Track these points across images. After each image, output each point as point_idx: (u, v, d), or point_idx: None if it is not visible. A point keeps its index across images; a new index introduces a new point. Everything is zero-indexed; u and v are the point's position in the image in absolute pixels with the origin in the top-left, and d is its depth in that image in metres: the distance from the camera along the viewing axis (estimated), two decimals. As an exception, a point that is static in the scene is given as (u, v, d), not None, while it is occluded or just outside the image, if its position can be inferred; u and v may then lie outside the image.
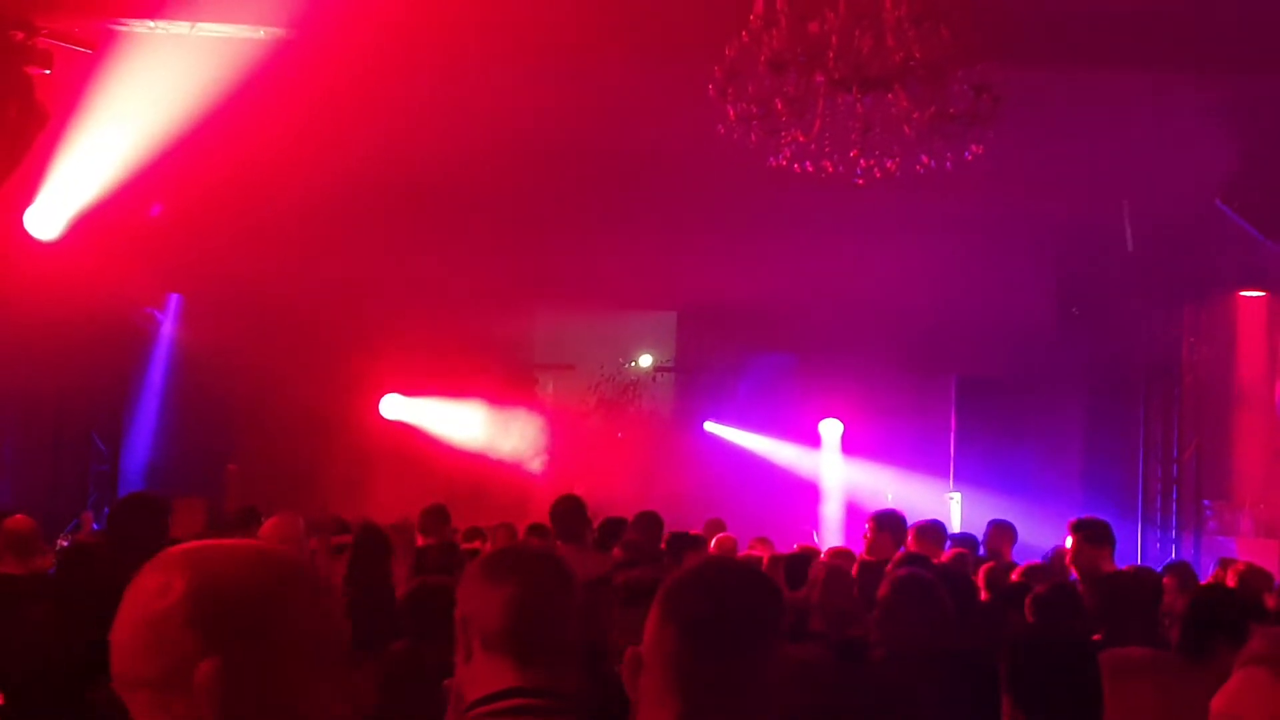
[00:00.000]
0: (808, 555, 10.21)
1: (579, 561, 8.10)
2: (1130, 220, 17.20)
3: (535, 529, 10.92)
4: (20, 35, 12.08)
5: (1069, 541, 9.18)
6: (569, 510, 9.42)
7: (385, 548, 8.49)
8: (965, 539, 12.06)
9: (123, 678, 1.92)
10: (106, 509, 14.57)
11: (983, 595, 8.94)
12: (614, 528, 10.63)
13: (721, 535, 11.83)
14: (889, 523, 10.49)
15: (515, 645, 3.06)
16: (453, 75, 13.35)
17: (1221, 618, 5.68)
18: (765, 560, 10.34)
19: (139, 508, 7.11)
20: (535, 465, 20.31)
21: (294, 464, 17.29)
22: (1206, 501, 18.89)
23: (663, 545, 10.65)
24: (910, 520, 10.91)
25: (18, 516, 8.00)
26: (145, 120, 13.64)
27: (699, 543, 10.75)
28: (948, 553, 10.41)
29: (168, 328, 18.84)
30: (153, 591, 1.92)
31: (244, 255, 16.81)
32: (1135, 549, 18.99)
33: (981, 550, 11.34)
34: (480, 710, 3.03)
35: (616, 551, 9.54)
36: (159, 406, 18.65)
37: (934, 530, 11.17)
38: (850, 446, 20.79)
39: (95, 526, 14.04)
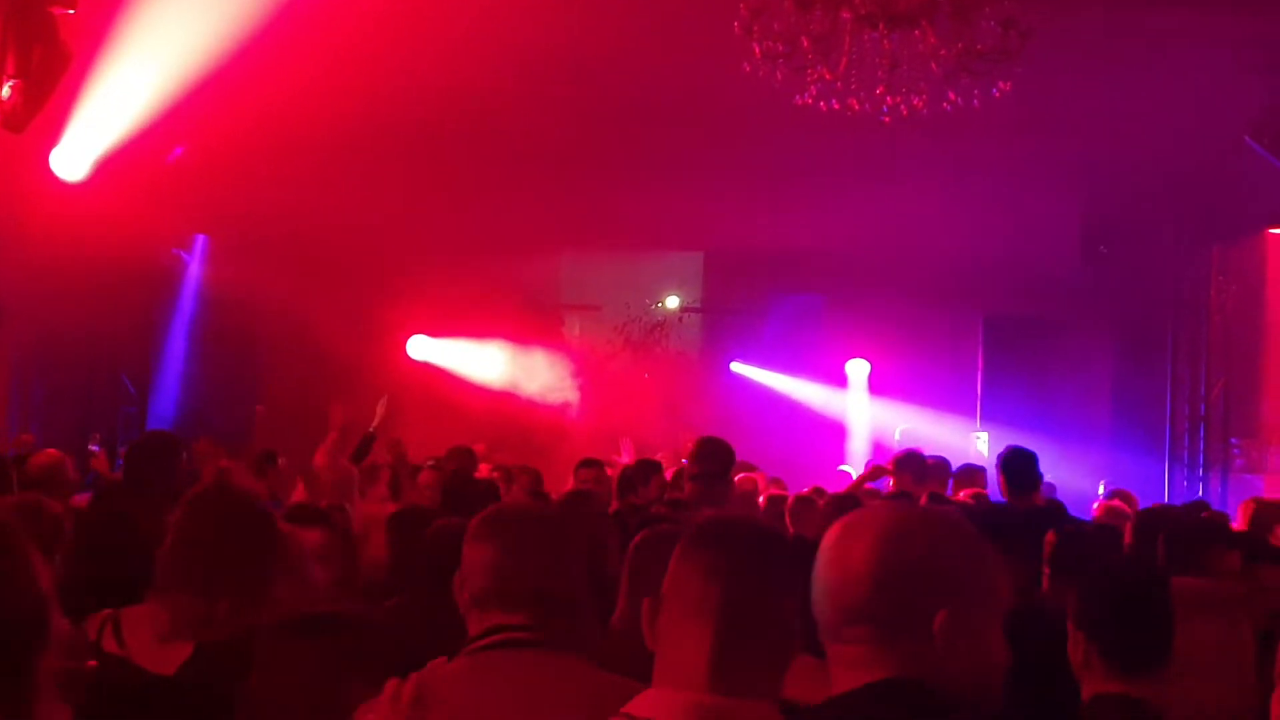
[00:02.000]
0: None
1: None
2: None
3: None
4: (44, -25, 12.06)
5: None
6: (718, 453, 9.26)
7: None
8: (970, 471, 12.06)
9: (851, 611, 2.32)
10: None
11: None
12: (647, 470, 10.62)
13: (742, 476, 11.81)
14: (908, 464, 10.52)
15: (499, 601, 3.32)
16: (479, 15, 13.30)
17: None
18: (790, 500, 10.33)
19: (154, 448, 7.22)
20: (565, 397, 20.35)
21: (322, 405, 17.32)
22: (1234, 440, 18.86)
23: None
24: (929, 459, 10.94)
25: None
26: (170, 59, 13.61)
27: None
28: (966, 492, 10.43)
29: (195, 269, 18.91)
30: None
31: (270, 196, 16.81)
32: (1163, 487, 18.98)
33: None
34: (469, 649, 3.30)
35: None
36: (186, 348, 18.74)
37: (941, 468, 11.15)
38: (877, 386, 20.79)
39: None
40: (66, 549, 5.03)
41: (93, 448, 12.38)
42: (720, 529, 2.84)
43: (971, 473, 11.23)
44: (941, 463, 10.86)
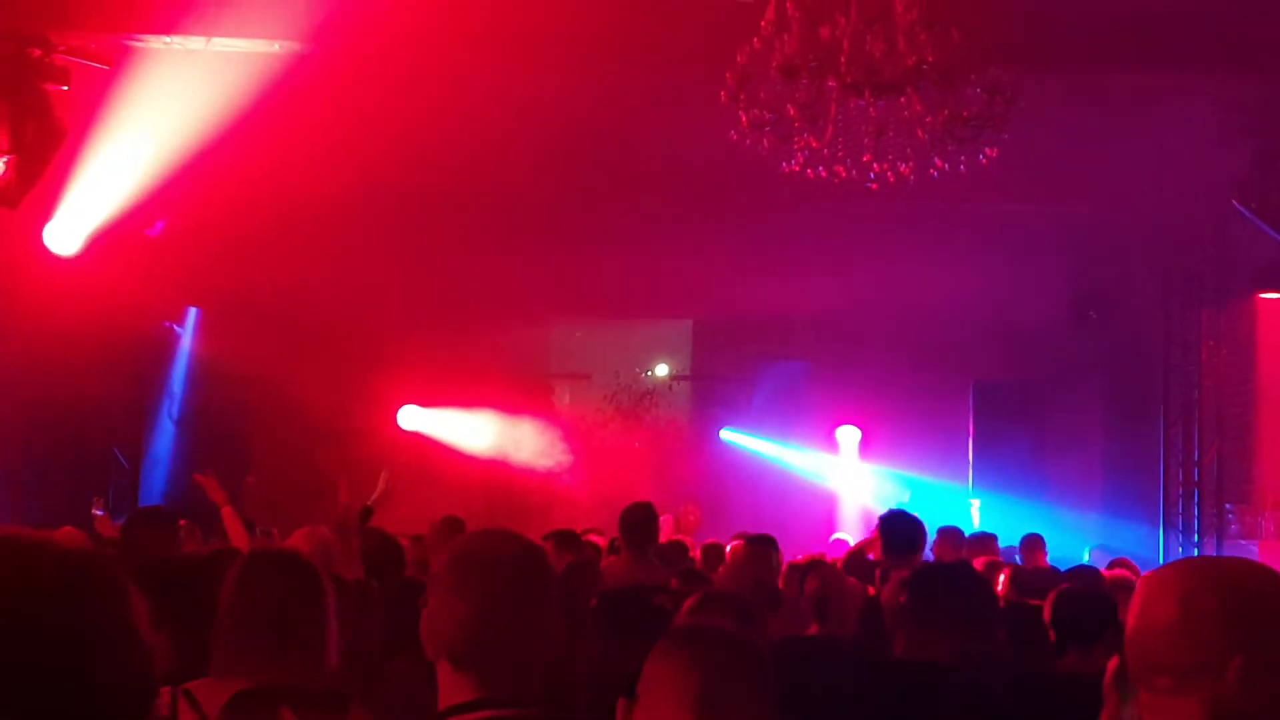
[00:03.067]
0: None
1: (641, 572, 8.08)
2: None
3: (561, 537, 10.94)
4: (37, 52, 12.19)
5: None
6: (639, 520, 9.35)
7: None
8: (983, 538, 12.22)
9: (1155, 663, 2.56)
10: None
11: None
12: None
13: (735, 544, 11.82)
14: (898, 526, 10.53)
15: (476, 661, 3.04)
16: (466, 85, 13.45)
17: None
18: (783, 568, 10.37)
19: (149, 522, 7.37)
20: (555, 463, 20.36)
21: (312, 476, 17.36)
22: (1228, 505, 18.84)
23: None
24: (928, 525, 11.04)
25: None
26: (163, 134, 13.75)
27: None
28: (979, 561, 10.47)
29: (186, 341, 18.98)
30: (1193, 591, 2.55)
31: (261, 268, 16.91)
32: (1158, 552, 18.98)
33: (1018, 559, 11.68)
34: None
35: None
36: (178, 420, 18.76)
37: (953, 534, 11.35)
38: (868, 452, 20.83)
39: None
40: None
41: (96, 511, 12.37)
42: (698, 630, 2.95)
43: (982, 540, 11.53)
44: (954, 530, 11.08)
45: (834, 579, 7.47)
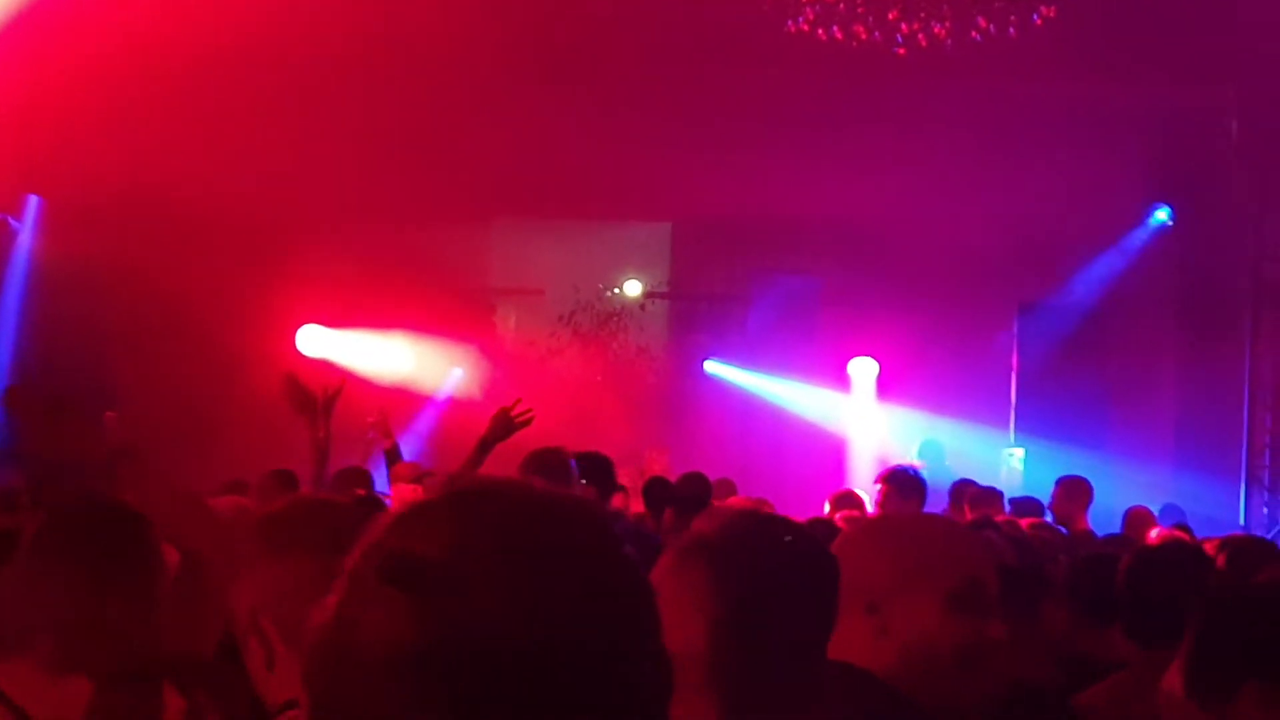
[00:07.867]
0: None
1: None
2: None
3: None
4: None
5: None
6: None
7: None
8: (1027, 503, 12.04)
9: None
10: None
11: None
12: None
13: (733, 500, 11.73)
14: (906, 484, 10.36)
15: None
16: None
17: None
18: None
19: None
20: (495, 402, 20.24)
21: (189, 412, 17.18)
22: (1325, 456, 18.99)
23: None
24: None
25: None
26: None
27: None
28: (1025, 521, 10.33)
29: (25, 239, 18.73)
30: None
31: (123, 148, 16.60)
32: (1237, 513, 19.00)
33: (1049, 516, 11.36)
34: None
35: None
36: (14, 342, 18.50)
37: (989, 496, 11.26)
38: (886, 390, 20.79)
39: None
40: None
41: None
42: None
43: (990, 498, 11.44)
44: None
45: None
